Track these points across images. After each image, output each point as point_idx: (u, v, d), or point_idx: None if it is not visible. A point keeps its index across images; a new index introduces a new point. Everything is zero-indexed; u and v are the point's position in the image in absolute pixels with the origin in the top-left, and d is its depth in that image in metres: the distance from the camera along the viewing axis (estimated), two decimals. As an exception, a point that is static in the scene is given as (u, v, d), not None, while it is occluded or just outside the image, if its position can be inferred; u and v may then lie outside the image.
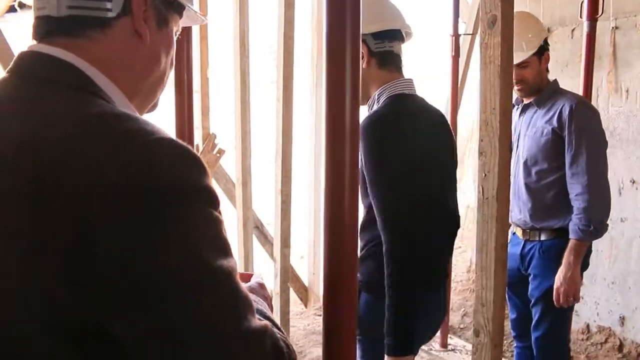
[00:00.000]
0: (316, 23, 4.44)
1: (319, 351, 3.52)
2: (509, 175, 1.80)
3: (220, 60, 4.65)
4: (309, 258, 4.55)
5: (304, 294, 4.49)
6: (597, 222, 2.10)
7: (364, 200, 1.65)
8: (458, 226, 1.88)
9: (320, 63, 4.49)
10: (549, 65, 3.79)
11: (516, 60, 2.13)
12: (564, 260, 2.15)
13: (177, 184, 0.61)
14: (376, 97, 1.70)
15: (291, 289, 4.36)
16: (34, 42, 0.75)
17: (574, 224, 2.12)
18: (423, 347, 3.46)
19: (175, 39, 0.85)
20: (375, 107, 1.69)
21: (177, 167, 0.62)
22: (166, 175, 0.61)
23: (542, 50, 2.23)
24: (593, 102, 3.46)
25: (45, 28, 0.74)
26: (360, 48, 0.83)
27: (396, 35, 1.72)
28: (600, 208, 2.11)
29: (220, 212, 0.66)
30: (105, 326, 0.60)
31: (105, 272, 0.58)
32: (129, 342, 0.61)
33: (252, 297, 0.82)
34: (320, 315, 4.14)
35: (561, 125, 2.13)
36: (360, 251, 1.72)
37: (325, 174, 0.85)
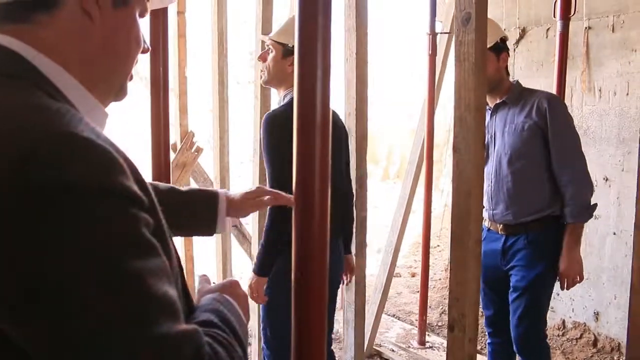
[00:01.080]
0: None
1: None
2: (483, 171, 1.82)
3: (198, 58, 4.62)
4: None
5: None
6: (587, 204, 2.24)
7: None
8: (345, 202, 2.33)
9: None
10: (524, 64, 3.88)
11: None
12: (565, 245, 2.23)
13: (73, 181, 0.56)
14: (282, 97, 2.10)
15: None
16: None
17: (570, 209, 2.22)
18: (401, 344, 3.48)
19: (138, 19, 0.80)
20: (277, 106, 2.09)
21: (80, 164, 0.57)
22: (65, 172, 0.56)
23: (500, 50, 2.28)
24: (567, 101, 3.52)
25: None
26: (330, 52, 0.84)
27: None
28: (588, 191, 2.25)
29: (142, 209, 0.62)
30: (4, 330, 0.57)
31: None
32: (28, 346, 0.57)
33: (216, 298, 0.81)
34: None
35: (542, 119, 2.21)
36: None
37: (295, 169, 0.85)
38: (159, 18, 1.68)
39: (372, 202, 9.11)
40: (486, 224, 2.44)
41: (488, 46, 2.20)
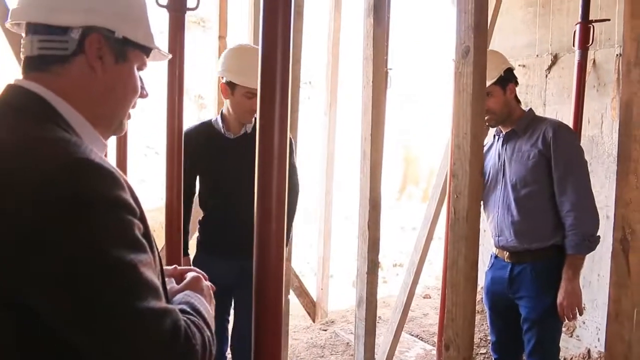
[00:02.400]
0: (332, 45, 4.59)
1: (318, 364, 3.62)
2: (480, 196, 1.89)
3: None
4: (317, 274, 4.66)
5: (312, 308, 4.58)
6: (589, 236, 2.21)
7: None
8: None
9: (334, 85, 4.64)
10: (555, 90, 3.88)
11: None
12: (564, 275, 2.23)
13: (89, 194, 0.77)
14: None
15: (300, 304, 4.49)
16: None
17: (570, 239, 2.22)
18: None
19: (137, 72, 1.01)
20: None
21: (90, 181, 0.78)
22: (75, 187, 0.76)
23: (506, 82, 2.33)
24: (597, 128, 3.52)
25: (27, 65, 0.93)
26: (289, 71, 0.96)
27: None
28: (590, 222, 2.22)
29: (134, 216, 0.82)
30: (26, 302, 0.76)
31: (25, 256, 0.74)
32: (45, 316, 0.77)
33: (187, 293, 0.97)
34: (325, 330, 4.23)
35: (547, 147, 2.23)
36: None
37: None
38: (175, 63, 1.85)
39: (411, 224, 9.11)
40: (494, 250, 2.48)
41: (493, 80, 2.28)
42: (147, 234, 0.86)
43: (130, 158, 3.11)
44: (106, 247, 0.76)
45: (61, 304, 0.75)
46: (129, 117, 1.05)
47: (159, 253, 0.94)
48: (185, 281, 1.05)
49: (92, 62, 0.92)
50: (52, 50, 0.91)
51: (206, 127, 2.48)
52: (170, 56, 1.13)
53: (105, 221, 0.77)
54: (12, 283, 0.75)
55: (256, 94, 1.00)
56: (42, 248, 0.73)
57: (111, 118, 0.99)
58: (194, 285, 1.04)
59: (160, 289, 0.82)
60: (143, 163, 6.67)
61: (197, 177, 2.52)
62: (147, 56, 1.03)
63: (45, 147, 0.79)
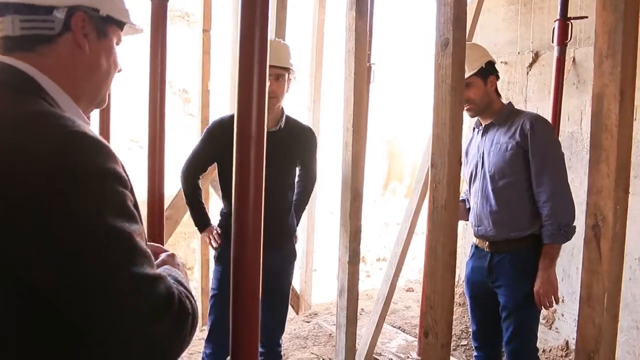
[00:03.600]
0: (317, 41, 4.61)
1: (300, 354, 3.65)
2: (458, 186, 1.92)
3: (220, 72, 4.84)
4: (301, 267, 4.68)
5: (296, 301, 4.61)
6: (564, 226, 2.26)
7: None
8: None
9: (318, 80, 4.66)
10: (536, 87, 3.94)
11: None
12: (540, 265, 2.29)
13: (86, 166, 0.79)
14: None
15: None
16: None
17: (546, 229, 2.27)
18: (401, 354, 3.57)
19: (115, 46, 1.05)
20: None
21: (87, 154, 0.80)
22: (77, 159, 0.79)
23: (487, 74, 2.38)
24: (576, 125, 3.58)
25: (7, 45, 0.93)
26: (266, 73, 0.99)
27: None
28: (566, 212, 2.27)
29: (126, 189, 0.85)
30: (26, 277, 0.78)
31: (25, 228, 0.76)
32: (44, 287, 0.79)
33: (167, 267, 1.01)
34: (308, 322, 4.26)
35: (524, 139, 2.28)
36: None
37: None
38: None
39: (395, 219, 9.17)
40: (474, 240, 2.53)
41: (474, 71, 2.33)
42: (136, 206, 0.89)
43: (114, 151, 3.11)
44: (103, 217, 0.78)
45: (60, 272, 0.77)
46: (109, 91, 1.08)
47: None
48: (161, 257, 1.07)
49: (79, 41, 0.95)
50: (36, 30, 0.91)
51: None
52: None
53: (102, 192, 0.80)
54: (10, 255, 0.77)
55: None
56: (41, 219, 0.75)
57: (96, 93, 1.02)
58: (171, 262, 1.06)
59: (152, 257, 0.85)
60: (127, 156, 6.65)
61: (214, 163, 2.58)
62: (122, 31, 1.07)
63: (41, 121, 0.81)
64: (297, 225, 2.69)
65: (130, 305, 0.78)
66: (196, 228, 2.62)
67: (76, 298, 0.78)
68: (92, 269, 0.77)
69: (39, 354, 0.82)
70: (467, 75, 2.33)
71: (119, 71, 1.07)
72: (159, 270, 0.99)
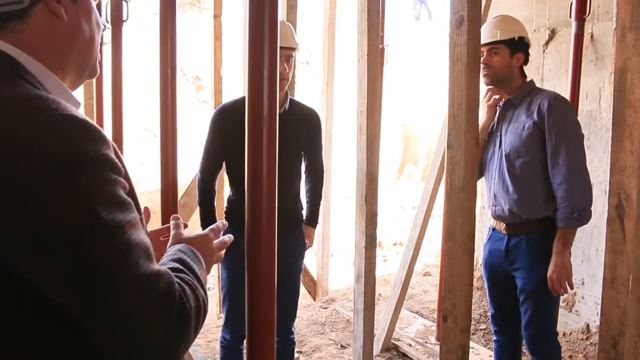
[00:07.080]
0: (328, 24, 4.56)
1: (318, 340, 3.64)
2: (476, 167, 1.88)
3: (232, 58, 4.81)
4: (317, 253, 4.68)
5: (312, 287, 4.62)
6: (580, 209, 2.18)
7: None
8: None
9: (331, 64, 4.61)
10: (553, 65, 3.86)
11: (486, 40, 2.24)
12: (554, 249, 2.22)
13: (73, 156, 0.73)
14: None
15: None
16: None
17: (560, 212, 2.21)
18: (419, 339, 3.55)
19: (94, 3, 0.95)
20: None
21: (74, 138, 0.74)
22: (64, 144, 0.73)
23: (516, 48, 2.32)
24: (595, 103, 3.50)
25: None
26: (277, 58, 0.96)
27: None
28: (582, 196, 2.19)
29: (120, 175, 0.79)
30: (11, 267, 0.73)
31: (12, 219, 0.71)
32: (38, 282, 0.74)
33: (178, 249, 0.96)
34: (325, 308, 4.26)
35: (541, 119, 2.22)
36: None
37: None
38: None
39: (411, 203, 9.11)
40: (492, 223, 2.48)
41: (503, 38, 2.26)
42: (132, 192, 0.83)
43: (128, 140, 3.10)
44: (93, 207, 0.73)
45: (50, 266, 0.72)
46: (99, 58, 0.99)
47: (142, 215, 0.89)
48: (193, 234, 1.02)
49: (53, 9, 0.86)
50: (4, 7, 0.83)
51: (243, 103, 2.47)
52: None
53: (92, 180, 0.74)
54: (2, 251, 0.72)
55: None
56: (28, 209, 0.70)
57: (83, 62, 0.94)
58: (199, 242, 1.01)
59: (151, 248, 0.79)
60: (141, 145, 6.66)
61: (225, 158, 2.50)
62: None
63: (24, 105, 0.75)
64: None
65: (127, 306, 0.73)
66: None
67: (70, 298, 0.74)
68: (84, 269, 0.72)
69: (39, 354, 0.78)
70: (496, 38, 2.27)
71: (103, 30, 0.99)
72: (165, 259, 0.94)
